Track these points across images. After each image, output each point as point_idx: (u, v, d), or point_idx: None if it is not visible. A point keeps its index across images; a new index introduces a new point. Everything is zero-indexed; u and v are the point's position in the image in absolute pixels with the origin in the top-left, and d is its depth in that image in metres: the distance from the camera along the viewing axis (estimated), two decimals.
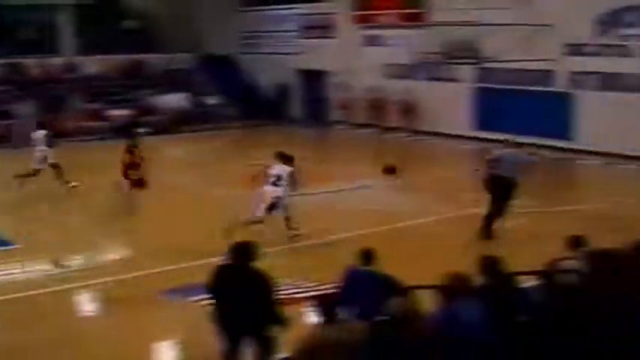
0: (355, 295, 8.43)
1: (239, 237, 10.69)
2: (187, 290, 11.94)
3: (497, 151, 15.44)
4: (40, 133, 20.22)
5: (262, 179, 15.05)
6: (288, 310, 8.78)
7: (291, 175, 14.83)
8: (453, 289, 7.23)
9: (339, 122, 32.23)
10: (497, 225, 15.07)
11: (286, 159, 15.13)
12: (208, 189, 20.48)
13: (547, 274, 8.19)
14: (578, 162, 23.85)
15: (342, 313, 7.44)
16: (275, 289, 8.48)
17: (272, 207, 14.79)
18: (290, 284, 12.03)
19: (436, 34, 24.68)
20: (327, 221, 16.51)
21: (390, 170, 21.40)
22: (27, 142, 20.83)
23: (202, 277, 9.00)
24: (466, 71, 27.73)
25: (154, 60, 35.54)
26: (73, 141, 27.59)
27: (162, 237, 15.47)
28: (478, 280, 7.77)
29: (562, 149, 24.37)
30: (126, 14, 37.21)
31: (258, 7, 36.23)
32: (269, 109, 34.69)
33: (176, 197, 19.45)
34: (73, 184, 19.92)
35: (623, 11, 23.62)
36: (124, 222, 17.33)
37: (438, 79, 29.17)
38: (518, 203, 15.42)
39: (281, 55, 35.04)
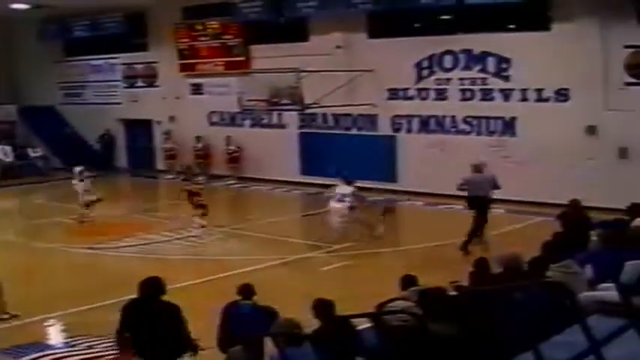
0: (239, 329, 8.91)
1: None
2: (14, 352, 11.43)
3: (467, 175, 17.78)
4: None
5: None
6: None
7: None
8: (285, 335, 7.08)
9: (165, 171, 31.71)
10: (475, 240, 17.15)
11: None
12: (29, 243, 19.58)
13: (379, 316, 8.14)
14: (406, 203, 24.13)
15: None
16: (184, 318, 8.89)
17: None
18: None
19: (259, 81, 24.79)
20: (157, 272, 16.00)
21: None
22: None
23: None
24: (291, 117, 27.89)
25: None
26: None
27: None
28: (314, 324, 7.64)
29: (390, 191, 24.69)
30: None
31: (79, 57, 35.42)
32: (94, 159, 33.81)
33: None
34: None
35: (442, 55, 24.38)
36: None
37: (263, 126, 29.24)
38: (348, 245, 15.50)
39: (105, 105, 34.36)
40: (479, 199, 17.53)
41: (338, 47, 25.99)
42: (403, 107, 25.46)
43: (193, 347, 9.00)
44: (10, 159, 32.76)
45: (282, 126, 28.74)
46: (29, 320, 12.95)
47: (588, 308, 7.51)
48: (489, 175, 18.09)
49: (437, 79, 24.63)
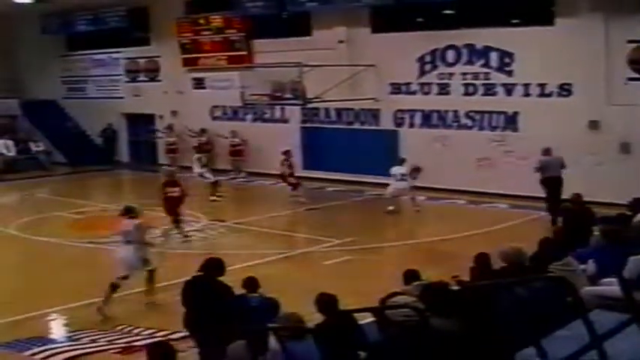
0: (249, 321, 9.02)
1: None
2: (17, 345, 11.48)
3: (541, 158, 19.38)
4: None
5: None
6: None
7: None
8: (287, 330, 7.11)
9: (167, 165, 31.65)
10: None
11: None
12: (31, 238, 19.58)
13: (381, 310, 8.14)
14: (406, 198, 24.06)
15: None
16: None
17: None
18: (120, 332, 11.65)
19: (262, 76, 24.80)
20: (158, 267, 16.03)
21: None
22: None
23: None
24: (293, 112, 27.89)
25: None
26: None
27: None
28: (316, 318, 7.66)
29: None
30: None
31: (82, 51, 35.45)
32: (97, 154, 33.90)
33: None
34: None
35: (444, 50, 24.36)
36: None
37: (266, 120, 29.24)
38: (350, 240, 15.49)
39: (107, 100, 34.38)
40: (553, 179, 19.02)
41: (341, 42, 25.99)
42: (406, 102, 25.45)
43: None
44: (12, 153, 32.79)
45: (284, 120, 28.73)
46: (31, 314, 12.96)
47: (590, 303, 7.51)
48: (558, 157, 19.46)
49: (439, 74, 24.61)
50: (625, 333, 6.70)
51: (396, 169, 21.49)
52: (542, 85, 22.48)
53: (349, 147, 26.04)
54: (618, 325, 6.78)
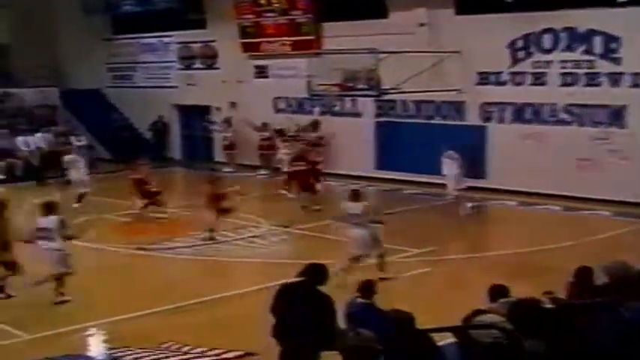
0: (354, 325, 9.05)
1: None
2: None
3: None
4: None
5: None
6: None
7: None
8: (359, 350, 7.14)
9: (225, 164, 31.94)
10: None
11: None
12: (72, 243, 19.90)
13: (464, 330, 8.13)
14: (494, 202, 23.99)
15: None
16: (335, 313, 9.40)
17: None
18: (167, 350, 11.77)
19: (331, 64, 24.83)
20: (215, 277, 16.23)
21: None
22: None
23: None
24: (366, 104, 27.91)
25: (11, 95, 34.75)
26: None
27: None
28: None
29: (476, 189, 24.46)
30: None
31: (129, 34, 35.94)
32: (145, 150, 34.20)
33: None
34: None
35: (540, 34, 24.18)
36: None
37: (335, 114, 29.33)
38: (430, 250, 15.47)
39: (157, 89, 34.82)
40: None
41: (421, 25, 25.92)
42: (495, 94, 25.32)
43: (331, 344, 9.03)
44: (47, 148, 32.99)
45: (356, 114, 28.80)
46: (68, 328, 13.10)
47: None
48: None
49: (534, 62, 24.44)
50: None
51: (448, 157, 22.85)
52: None
53: (429, 144, 25.97)
54: None
